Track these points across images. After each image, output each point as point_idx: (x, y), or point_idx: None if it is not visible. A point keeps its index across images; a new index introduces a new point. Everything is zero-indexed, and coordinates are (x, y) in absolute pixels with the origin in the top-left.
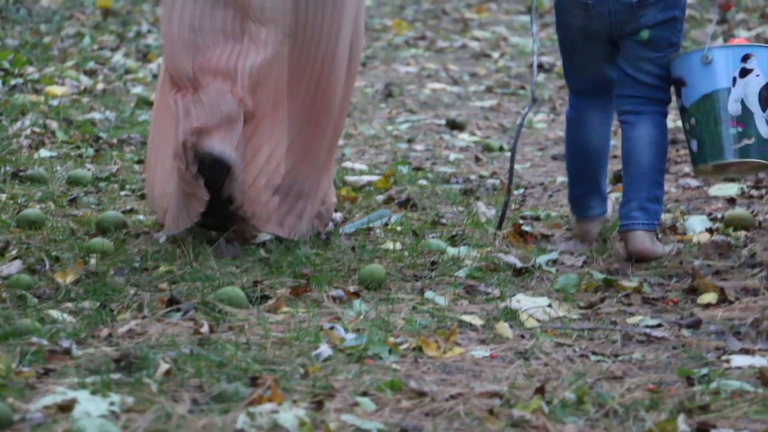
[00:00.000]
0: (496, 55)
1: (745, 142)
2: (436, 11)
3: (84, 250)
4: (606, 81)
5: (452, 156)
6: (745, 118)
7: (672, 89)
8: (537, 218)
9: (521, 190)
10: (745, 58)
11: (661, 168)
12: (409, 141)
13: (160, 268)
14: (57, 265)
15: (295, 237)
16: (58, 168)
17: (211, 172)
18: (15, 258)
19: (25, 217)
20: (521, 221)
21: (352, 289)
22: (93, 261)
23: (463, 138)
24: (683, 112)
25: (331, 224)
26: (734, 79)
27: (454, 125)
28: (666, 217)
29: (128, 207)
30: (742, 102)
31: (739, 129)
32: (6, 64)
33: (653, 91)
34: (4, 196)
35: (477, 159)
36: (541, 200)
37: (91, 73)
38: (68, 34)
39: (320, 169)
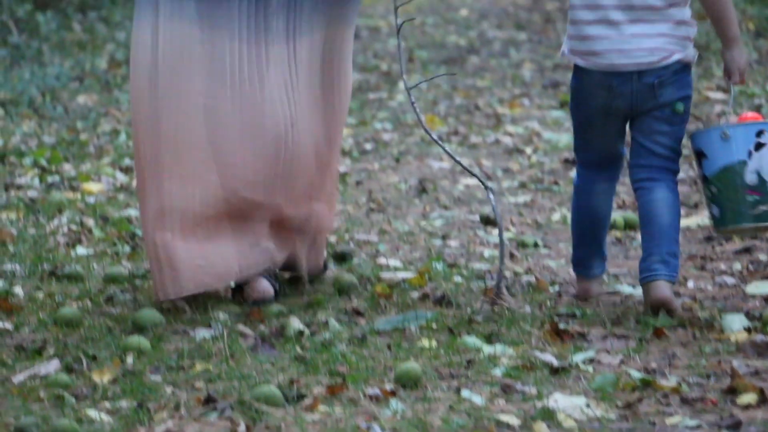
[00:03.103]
0: (529, 150)
1: (761, 208)
2: (468, 106)
3: (121, 348)
4: (614, 155)
5: (487, 252)
6: (760, 187)
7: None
8: (573, 315)
9: (556, 287)
10: (759, 133)
11: (677, 227)
12: (444, 237)
13: (196, 366)
14: (94, 364)
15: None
16: (95, 265)
17: None
18: (52, 357)
19: (62, 316)
20: (557, 318)
21: (388, 387)
22: (130, 359)
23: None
24: (705, 180)
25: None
26: (750, 153)
27: (488, 221)
28: (703, 315)
29: (164, 305)
30: (758, 173)
31: (756, 197)
32: (43, 162)
33: (666, 161)
34: (41, 295)
35: (512, 255)
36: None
37: (126, 170)
38: (104, 130)
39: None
